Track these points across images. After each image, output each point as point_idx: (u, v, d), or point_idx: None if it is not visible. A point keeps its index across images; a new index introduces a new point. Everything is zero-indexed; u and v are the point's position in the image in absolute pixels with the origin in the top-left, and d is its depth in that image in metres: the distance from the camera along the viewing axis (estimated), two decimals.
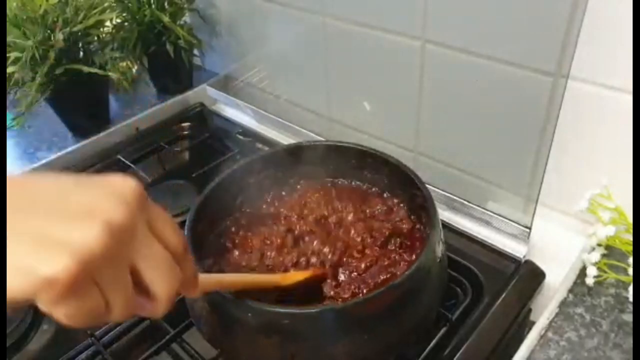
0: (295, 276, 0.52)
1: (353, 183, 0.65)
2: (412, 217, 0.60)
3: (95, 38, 0.90)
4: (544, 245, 0.63)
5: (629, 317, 0.51)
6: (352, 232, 0.59)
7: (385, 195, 0.63)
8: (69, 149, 0.87)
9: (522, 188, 0.64)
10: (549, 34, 0.53)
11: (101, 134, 0.89)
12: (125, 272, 0.29)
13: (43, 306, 0.26)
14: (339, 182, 0.65)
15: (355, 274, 0.55)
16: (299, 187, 0.66)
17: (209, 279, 0.44)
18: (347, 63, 0.76)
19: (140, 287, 0.30)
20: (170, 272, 0.31)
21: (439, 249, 0.52)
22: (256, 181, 0.64)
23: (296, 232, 0.59)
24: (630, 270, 0.54)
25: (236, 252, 0.58)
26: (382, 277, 0.54)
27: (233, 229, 0.61)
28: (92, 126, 0.91)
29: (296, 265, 0.55)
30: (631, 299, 0.53)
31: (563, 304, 0.53)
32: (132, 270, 0.29)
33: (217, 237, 0.60)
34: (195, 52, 1.03)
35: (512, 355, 0.50)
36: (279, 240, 0.58)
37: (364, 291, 0.52)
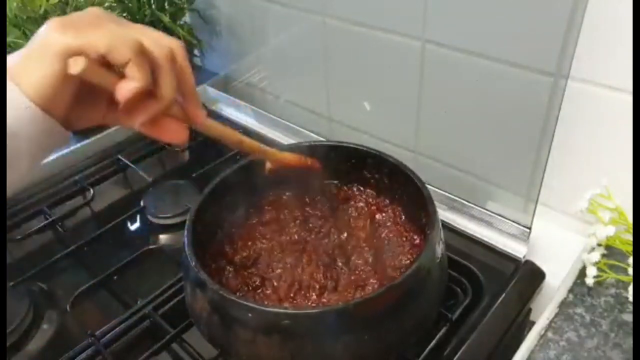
0: (287, 157, 0.56)
1: (353, 183, 0.65)
2: (412, 217, 0.60)
3: None
4: (544, 245, 0.63)
5: (629, 317, 0.51)
6: (352, 232, 0.59)
7: (385, 195, 0.63)
8: (69, 149, 0.86)
9: (522, 188, 0.64)
10: (549, 34, 0.53)
11: (101, 134, 0.89)
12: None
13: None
14: (339, 182, 0.65)
15: (355, 273, 0.55)
16: (298, 186, 0.66)
17: (216, 124, 0.48)
18: (347, 63, 0.76)
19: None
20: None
21: (439, 249, 0.52)
22: (256, 181, 0.64)
23: (296, 232, 0.59)
24: (630, 270, 0.54)
25: (238, 252, 0.58)
26: (381, 277, 0.54)
27: (234, 229, 0.61)
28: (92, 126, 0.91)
29: (297, 264, 0.56)
30: (631, 299, 0.53)
31: (563, 304, 0.53)
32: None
33: (218, 237, 0.60)
34: (195, 52, 1.04)
35: (512, 355, 0.50)
36: (281, 239, 0.58)
37: (364, 290, 0.52)
